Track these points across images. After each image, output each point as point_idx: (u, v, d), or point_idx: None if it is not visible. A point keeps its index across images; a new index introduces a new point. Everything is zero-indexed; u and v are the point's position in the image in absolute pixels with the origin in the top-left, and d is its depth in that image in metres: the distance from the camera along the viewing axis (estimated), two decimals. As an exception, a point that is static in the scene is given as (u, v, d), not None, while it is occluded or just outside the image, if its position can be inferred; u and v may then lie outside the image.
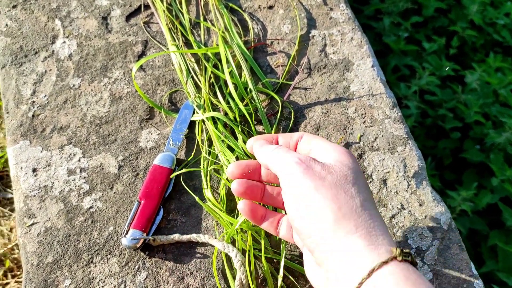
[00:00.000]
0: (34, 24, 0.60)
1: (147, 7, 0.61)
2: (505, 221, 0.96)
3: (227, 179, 0.49)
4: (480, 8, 1.20)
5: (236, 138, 0.51)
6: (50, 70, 0.56)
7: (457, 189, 0.99)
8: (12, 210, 0.86)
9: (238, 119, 0.52)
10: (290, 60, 0.57)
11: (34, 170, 0.50)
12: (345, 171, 0.38)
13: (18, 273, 0.79)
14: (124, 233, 0.46)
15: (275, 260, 0.46)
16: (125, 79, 0.56)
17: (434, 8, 1.20)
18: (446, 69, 1.08)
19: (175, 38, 0.58)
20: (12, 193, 0.86)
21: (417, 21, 1.18)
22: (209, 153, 0.50)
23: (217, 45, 0.56)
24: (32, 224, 0.47)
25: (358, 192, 0.37)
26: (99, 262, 0.45)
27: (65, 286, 0.44)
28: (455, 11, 1.22)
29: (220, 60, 0.56)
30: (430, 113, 1.09)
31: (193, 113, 0.53)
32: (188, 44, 0.58)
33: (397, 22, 1.18)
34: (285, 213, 0.43)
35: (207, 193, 0.48)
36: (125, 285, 0.44)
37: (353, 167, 0.39)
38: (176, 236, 0.46)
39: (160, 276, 0.45)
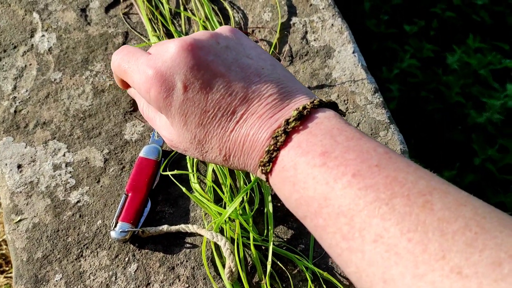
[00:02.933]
0: (12, 18, 0.59)
1: (126, -2, 0.61)
2: (488, 199, 0.98)
3: (213, 170, 0.49)
4: (459, -11, 1.21)
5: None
6: (30, 64, 0.56)
7: (440, 169, 1.01)
8: (-2, 206, 0.85)
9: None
10: (272, 48, 0.58)
11: (19, 166, 0.50)
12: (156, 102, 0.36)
13: (7, 268, 0.79)
14: (113, 226, 0.46)
15: (263, 247, 0.46)
16: (107, 71, 0.55)
17: (414, -10, 1.21)
18: None
19: (156, 28, 0.57)
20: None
21: (397, 3, 1.18)
22: (195, 144, 0.50)
23: (199, 35, 0.56)
24: (20, 220, 0.47)
25: (184, 125, 0.35)
26: (89, 256, 0.46)
27: (56, 280, 0.44)
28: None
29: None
30: (412, 95, 1.10)
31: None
32: (169, 35, 0.58)
33: (377, 5, 1.18)
34: None
35: (194, 183, 0.48)
36: (116, 277, 0.45)
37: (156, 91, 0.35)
38: (164, 227, 0.46)
39: (151, 267, 0.45)
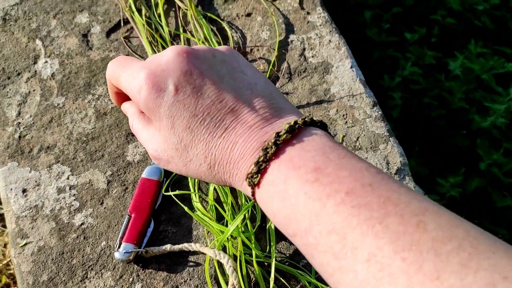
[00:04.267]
0: (15, 45, 0.60)
1: (126, 22, 0.62)
2: (494, 203, 0.98)
3: (214, 188, 0.50)
4: (459, -5, 1.22)
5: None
6: (34, 90, 0.57)
7: (445, 175, 1.01)
8: (5, 226, 0.86)
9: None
10: (271, 66, 0.58)
11: (24, 190, 0.51)
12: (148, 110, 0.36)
13: (16, 288, 0.80)
14: (117, 247, 0.47)
15: (266, 264, 0.47)
16: (108, 95, 0.57)
17: (414, -2, 1.21)
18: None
19: (156, 51, 0.59)
20: (3, 208, 0.86)
21: (398, 11, 1.19)
22: (196, 163, 0.51)
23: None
24: (25, 244, 0.48)
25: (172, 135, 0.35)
26: (93, 277, 0.46)
27: (62, 303, 0.45)
28: (435, 0, 1.24)
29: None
30: (415, 102, 1.10)
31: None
32: (169, 56, 0.59)
33: (378, 14, 1.19)
34: None
35: (196, 202, 0.49)
36: (120, 298, 0.45)
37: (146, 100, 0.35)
38: (168, 247, 0.47)
39: (155, 286, 0.46)
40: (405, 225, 0.25)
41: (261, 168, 0.31)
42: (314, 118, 0.34)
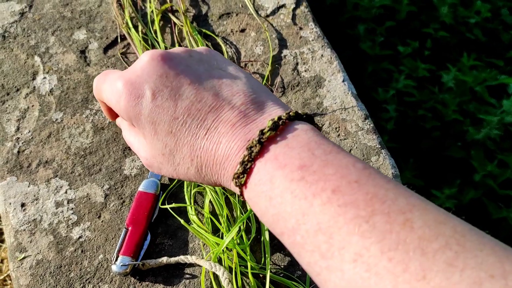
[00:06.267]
0: (14, 62, 0.61)
1: (123, 38, 0.63)
2: (490, 215, 0.99)
3: (210, 201, 0.51)
4: (451, 9, 1.24)
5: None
6: (33, 106, 0.58)
7: (440, 186, 1.02)
8: (2, 241, 0.87)
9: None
10: (265, 81, 0.60)
11: (23, 205, 0.51)
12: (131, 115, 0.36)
13: (14, 303, 0.80)
14: (114, 260, 0.47)
15: (261, 275, 0.48)
16: (106, 109, 0.58)
17: (406, 12, 1.23)
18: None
19: (152, 66, 0.60)
20: (1, 223, 0.87)
21: (391, 25, 1.21)
22: (191, 177, 0.52)
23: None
24: (24, 258, 0.49)
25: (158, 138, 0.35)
26: (91, 290, 0.47)
27: (60, 316, 0.46)
28: (427, 14, 1.26)
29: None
30: (410, 114, 1.12)
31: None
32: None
33: (371, 28, 1.21)
34: None
35: (192, 215, 0.50)
36: (117, 310, 0.46)
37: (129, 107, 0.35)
38: (164, 259, 0.48)
39: (151, 299, 0.46)
40: (391, 223, 0.25)
41: (246, 168, 0.31)
42: (299, 111, 0.33)
